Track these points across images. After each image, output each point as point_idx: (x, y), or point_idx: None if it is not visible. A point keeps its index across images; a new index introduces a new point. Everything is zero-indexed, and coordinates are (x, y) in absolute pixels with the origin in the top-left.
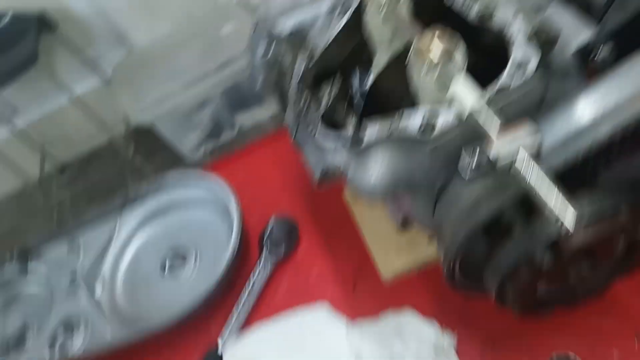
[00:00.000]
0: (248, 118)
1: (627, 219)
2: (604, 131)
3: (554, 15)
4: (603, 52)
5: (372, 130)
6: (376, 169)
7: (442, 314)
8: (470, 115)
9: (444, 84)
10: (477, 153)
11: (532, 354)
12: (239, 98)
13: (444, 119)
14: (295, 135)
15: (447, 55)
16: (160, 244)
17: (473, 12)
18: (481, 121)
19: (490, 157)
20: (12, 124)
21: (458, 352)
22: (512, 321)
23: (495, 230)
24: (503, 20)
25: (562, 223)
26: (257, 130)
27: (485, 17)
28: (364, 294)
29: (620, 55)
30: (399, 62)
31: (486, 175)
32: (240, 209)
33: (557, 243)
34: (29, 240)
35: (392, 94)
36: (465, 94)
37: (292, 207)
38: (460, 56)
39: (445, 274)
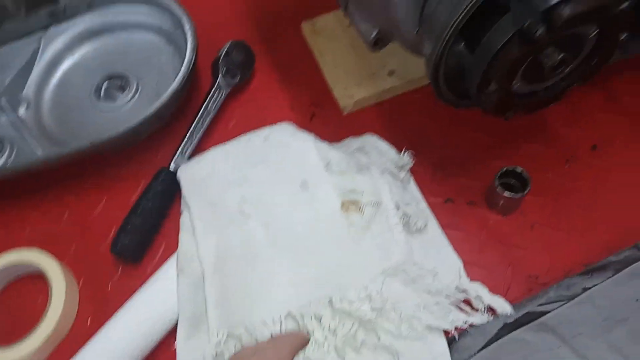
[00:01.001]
0: None
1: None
2: None
3: None
4: None
5: None
6: None
7: (398, 142)
8: None
9: None
10: None
11: (477, 176)
12: None
13: None
14: None
15: None
16: (95, 67)
17: None
18: None
19: None
20: None
21: (412, 172)
22: (460, 150)
23: (485, 19)
24: None
25: None
26: None
27: None
28: (322, 124)
29: None
30: None
31: None
32: (194, 26)
33: (551, 13)
34: None
35: None
36: None
37: (246, 38)
38: None
39: (432, 68)
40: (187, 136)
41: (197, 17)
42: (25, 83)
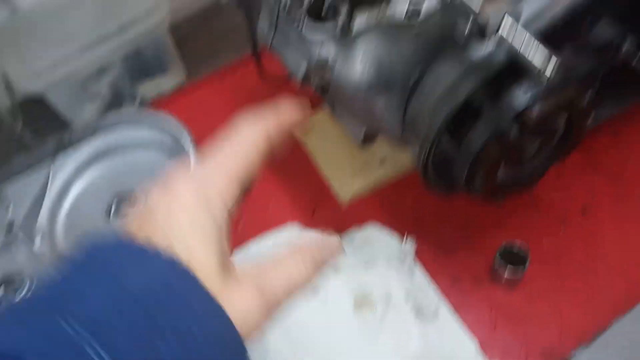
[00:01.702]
0: (151, 87)
1: (573, 94)
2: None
3: None
4: None
5: (361, 18)
6: (364, 61)
7: (399, 227)
8: None
9: None
10: (470, 21)
11: (479, 251)
12: (141, 65)
13: (428, 4)
14: (272, 41)
15: None
16: (103, 189)
17: None
18: None
19: (481, 23)
20: None
21: (416, 255)
22: (458, 227)
23: (464, 118)
24: None
25: (545, 70)
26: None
27: None
28: (324, 218)
29: None
30: None
31: (477, 39)
32: (193, 142)
33: (522, 116)
34: None
35: None
36: None
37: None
38: None
39: (421, 167)
40: None
41: (195, 127)
42: (39, 214)
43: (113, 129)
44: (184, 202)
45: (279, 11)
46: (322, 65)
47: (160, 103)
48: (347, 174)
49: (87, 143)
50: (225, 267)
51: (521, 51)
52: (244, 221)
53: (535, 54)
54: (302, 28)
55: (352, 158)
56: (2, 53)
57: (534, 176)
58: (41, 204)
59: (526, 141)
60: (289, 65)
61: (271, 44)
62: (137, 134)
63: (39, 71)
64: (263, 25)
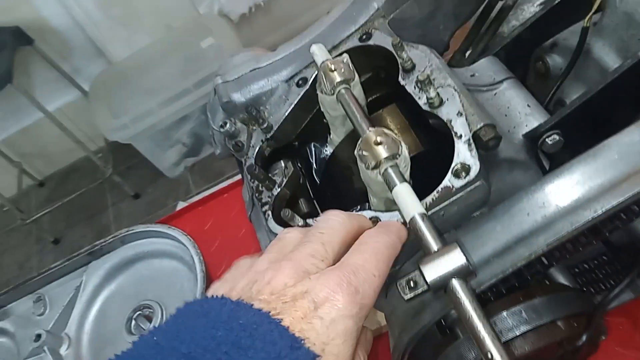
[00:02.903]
0: None
1: (564, 331)
2: (542, 243)
3: (507, 92)
4: (551, 139)
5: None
6: None
7: None
8: (411, 222)
9: (388, 183)
10: (414, 274)
11: None
12: None
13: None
14: (250, 214)
15: (392, 158)
16: (129, 295)
17: (422, 99)
18: (419, 232)
19: (425, 279)
20: None
21: None
22: None
23: (439, 328)
24: (448, 116)
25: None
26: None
27: (434, 105)
28: None
29: (567, 143)
30: (354, 140)
31: (423, 294)
32: (203, 264)
33: None
34: None
35: (348, 171)
36: (406, 200)
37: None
38: (404, 159)
39: None
40: None
41: (216, 237)
42: (68, 320)
43: (140, 239)
44: (346, 313)
45: (255, 188)
46: None
47: (183, 213)
48: None
49: (116, 252)
50: None
51: (469, 324)
52: None
53: (486, 338)
54: (267, 220)
55: None
56: (96, 101)
57: None
58: (72, 309)
59: None
60: (260, 241)
61: (250, 215)
62: (163, 244)
63: (127, 123)
64: (245, 194)
